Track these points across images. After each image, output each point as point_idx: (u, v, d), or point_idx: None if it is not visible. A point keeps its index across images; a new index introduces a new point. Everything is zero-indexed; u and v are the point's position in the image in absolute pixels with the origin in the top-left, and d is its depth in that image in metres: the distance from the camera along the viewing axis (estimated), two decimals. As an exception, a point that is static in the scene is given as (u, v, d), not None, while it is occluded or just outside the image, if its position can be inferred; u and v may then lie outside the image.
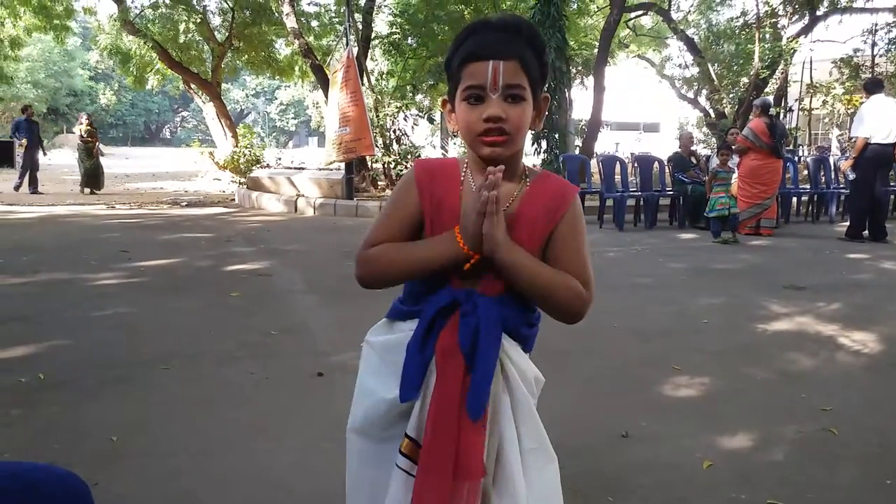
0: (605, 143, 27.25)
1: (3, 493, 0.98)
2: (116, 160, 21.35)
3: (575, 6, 18.52)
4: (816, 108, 21.88)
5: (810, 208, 10.22)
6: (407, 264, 1.18)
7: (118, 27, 16.84)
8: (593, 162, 11.92)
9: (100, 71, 43.86)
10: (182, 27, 16.27)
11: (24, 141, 13.23)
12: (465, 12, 15.95)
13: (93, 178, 13.20)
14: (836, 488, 2.18)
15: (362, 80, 11.02)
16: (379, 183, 11.46)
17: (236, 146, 15.52)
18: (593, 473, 2.24)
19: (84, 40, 37.67)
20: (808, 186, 10.53)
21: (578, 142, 16.48)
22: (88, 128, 13.72)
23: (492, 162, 1.13)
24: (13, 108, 33.49)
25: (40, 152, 13.62)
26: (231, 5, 16.93)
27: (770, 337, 3.87)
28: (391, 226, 1.21)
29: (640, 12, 21.70)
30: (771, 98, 10.44)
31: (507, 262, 1.12)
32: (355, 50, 10.34)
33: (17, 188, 12.87)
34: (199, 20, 16.32)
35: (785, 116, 19.13)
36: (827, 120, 26.00)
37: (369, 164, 11.43)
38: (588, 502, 2.06)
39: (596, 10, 21.01)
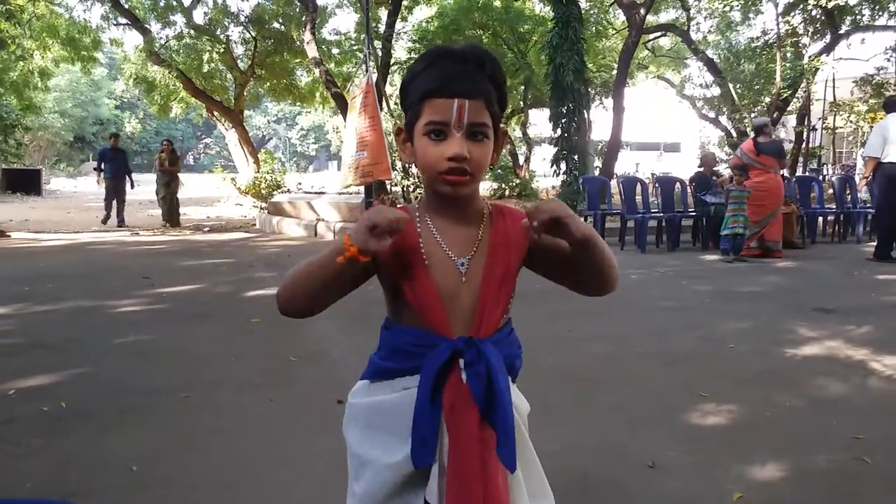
0: (625, 164, 27.17)
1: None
2: (143, 187, 21.69)
3: (593, 29, 18.63)
4: (840, 127, 21.64)
5: (836, 228, 10.04)
6: (309, 272, 1.12)
7: (144, 57, 17.23)
8: (613, 183, 11.87)
9: (125, 100, 44.87)
10: (206, 57, 16.60)
11: (101, 175, 12.63)
12: (483, 36, 16.10)
13: (168, 211, 12.30)
14: (874, 522, 2.10)
15: (381, 105, 11.13)
16: (398, 206, 11.51)
17: (258, 172, 15.72)
18: (619, 506, 2.18)
19: (110, 70, 38.59)
20: (833, 206, 10.36)
21: (598, 163, 16.46)
22: (166, 156, 12.66)
23: (452, 200, 1.13)
24: (40, 136, 34.33)
25: (128, 183, 12.72)
26: (253, 35, 17.26)
27: (799, 362, 3.78)
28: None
29: (659, 34, 21.76)
30: (766, 118, 10.31)
31: (589, 232, 1.06)
32: (374, 76, 10.46)
33: (104, 221, 12.21)
34: (222, 50, 16.65)
35: (808, 135, 18.94)
36: (851, 138, 25.70)
37: (388, 187, 11.48)
38: (614, 536, 2.00)
39: (614, 32, 21.10)
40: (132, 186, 12.85)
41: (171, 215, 12.20)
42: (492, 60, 1.12)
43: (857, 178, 11.38)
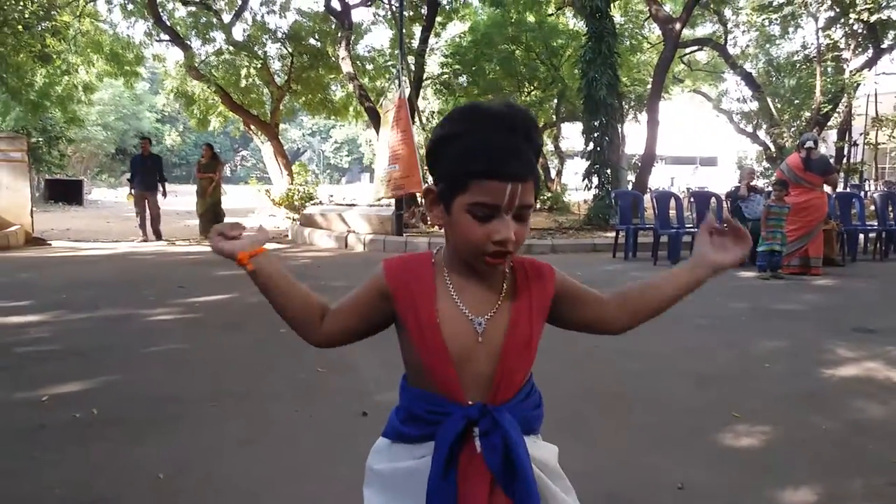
0: (659, 178, 26.87)
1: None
2: (182, 198, 22.14)
3: (627, 43, 18.54)
4: (883, 143, 21.10)
5: (878, 245, 9.76)
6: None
7: (184, 72, 17.65)
8: (647, 197, 11.74)
9: (166, 113, 45.95)
10: (244, 72, 16.93)
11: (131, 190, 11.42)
12: (516, 51, 16.13)
13: (208, 221, 11.19)
14: (914, 553, 2.01)
15: (413, 119, 11.22)
16: (428, 219, 11.55)
17: (291, 184, 15.93)
18: (645, 528, 2.13)
19: (152, 85, 39.66)
20: (875, 223, 10.08)
21: (631, 177, 16.30)
22: (206, 161, 11.62)
23: (488, 271, 1.10)
24: (83, 148, 35.35)
25: (159, 195, 11.30)
26: (290, 51, 17.56)
27: (836, 383, 3.66)
28: (341, 313, 1.19)
29: (696, 48, 21.53)
30: (814, 133, 10.10)
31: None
32: (407, 91, 10.56)
33: (142, 239, 11.05)
34: (259, 65, 16.97)
35: (849, 151, 18.50)
36: (894, 154, 25.03)
37: (419, 200, 11.53)
38: (640, 560, 1.95)
39: (649, 46, 20.95)
40: (164, 195, 11.48)
41: (214, 224, 11.71)
42: (536, 128, 1.08)
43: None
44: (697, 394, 3.46)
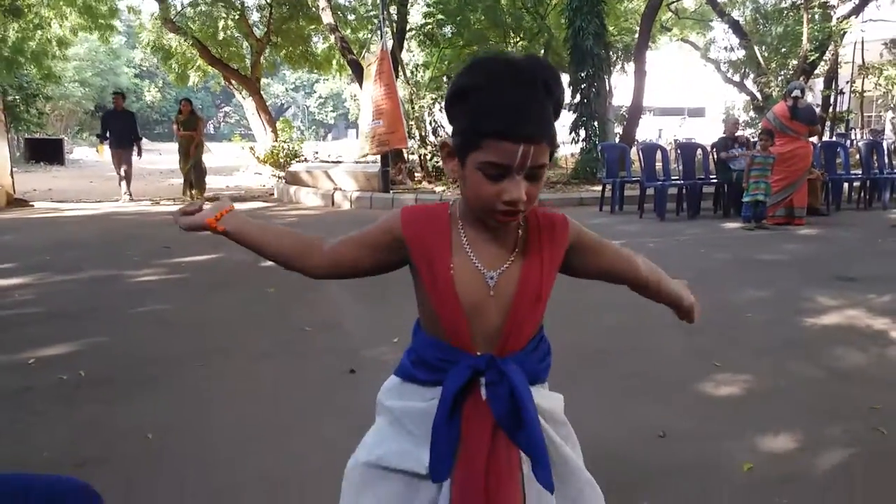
0: (647, 130, 26.74)
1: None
2: (164, 157, 21.82)
3: (614, -10, 18.16)
4: (869, 91, 21.03)
5: (862, 194, 9.82)
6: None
7: (159, 25, 17.17)
8: (633, 150, 11.69)
9: (144, 69, 44.91)
10: (221, 24, 16.47)
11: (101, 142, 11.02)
12: (501, 0, 15.78)
13: (191, 181, 10.99)
14: (887, 492, 2.08)
15: (397, 72, 11.02)
16: (416, 175, 11.45)
17: (275, 141, 15.71)
18: (628, 474, 2.18)
19: (128, 39, 38.56)
20: (859, 172, 10.12)
21: (619, 129, 16.20)
22: (184, 117, 10.97)
23: (500, 226, 1.10)
24: (62, 106, 34.57)
25: (135, 151, 10.94)
26: (269, 1, 17.09)
27: (817, 331, 3.73)
28: (346, 247, 1.18)
29: (683, -5, 21.17)
30: (801, 81, 10.04)
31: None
32: (390, 43, 10.33)
33: (130, 197, 10.77)
34: (237, 16, 16.51)
35: (835, 99, 18.44)
36: (880, 102, 25.00)
37: (406, 156, 11.43)
38: (622, 503, 2.00)
39: (636, -7, 20.56)
40: (139, 154, 11.17)
41: (198, 181, 10.96)
42: (557, 81, 1.04)
43: (884, 144, 11.08)
44: (680, 345, 3.51)
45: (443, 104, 12.72)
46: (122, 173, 10.78)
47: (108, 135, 10.90)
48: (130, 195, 10.81)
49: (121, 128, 10.83)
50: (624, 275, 1.27)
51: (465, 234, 1.12)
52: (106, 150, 11.78)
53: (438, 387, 1.12)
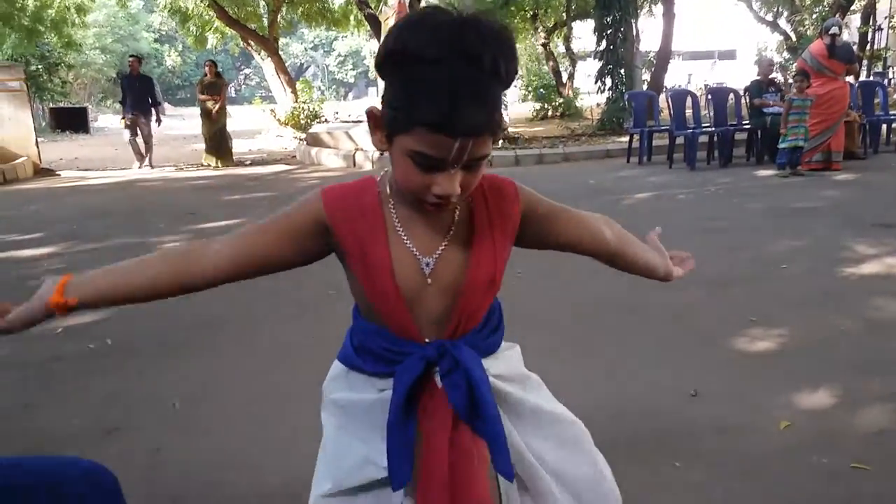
0: (676, 76, 25.99)
1: (28, 492, 0.95)
2: (187, 122, 21.87)
3: (639, -70, 17.44)
4: (910, 25, 20.08)
5: (902, 136, 9.42)
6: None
7: (176, -14, 17.00)
8: (662, 97, 11.35)
9: (163, 33, 44.77)
10: (237, -18, 16.26)
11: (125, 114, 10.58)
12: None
13: (215, 147, 10.71)
14: (932, 451, 1.99)
15: (416, 25, 10.74)
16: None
17: (296, 102, 15.60)
18: (659, 436, 2.13)
19: (146, 2, 38.39)
20: (899, 112, 9.70)
21: (647, 76, 15.74)
22: (210, 80, 10.58)
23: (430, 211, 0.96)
24: (84, 74, 34.72)
25: (153, 117, 10.62)
26: (284, -43, 16.77)
27: (856, 282, 3.59)
28: (248, 240, 1.01)
29: (711, -69, 20.25)
30: (838, 18, 9.56)
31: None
32: (408, -6, 10.07)
33: (140, 165, 10.64)
34: (253, -26, 16.27)
35: (873, 36, 17.65)
36: (922, 37, 23.86)
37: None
38: (652, 468, 1.95)
39: (662, -68, 19.71)
40: (158, 121, 10.88)
41: (223, 148, 10.74)
42: (509, 57, 0.86)
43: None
44: (713, 299, 3.41)
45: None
46: (139, 140, 10.56)
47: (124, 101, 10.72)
48: (151, 164, 10.68)
49: (138, 92, 10.55)
50: (588, 246, 1.13)
51: (398, 214, 0.99)
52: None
53: (390, 378, 1.02)
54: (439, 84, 0.82)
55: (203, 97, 10.67)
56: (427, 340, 1.01)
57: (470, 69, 0.83)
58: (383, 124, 0.91)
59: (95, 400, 2.54)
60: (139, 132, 10.55)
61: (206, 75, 10.79)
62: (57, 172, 10.29)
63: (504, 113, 11.57)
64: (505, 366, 1.10)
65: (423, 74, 0.83)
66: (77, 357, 2.93)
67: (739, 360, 2.69)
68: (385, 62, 0.88)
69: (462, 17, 0.85)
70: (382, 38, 0.90)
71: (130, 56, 11.67)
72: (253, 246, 1.01)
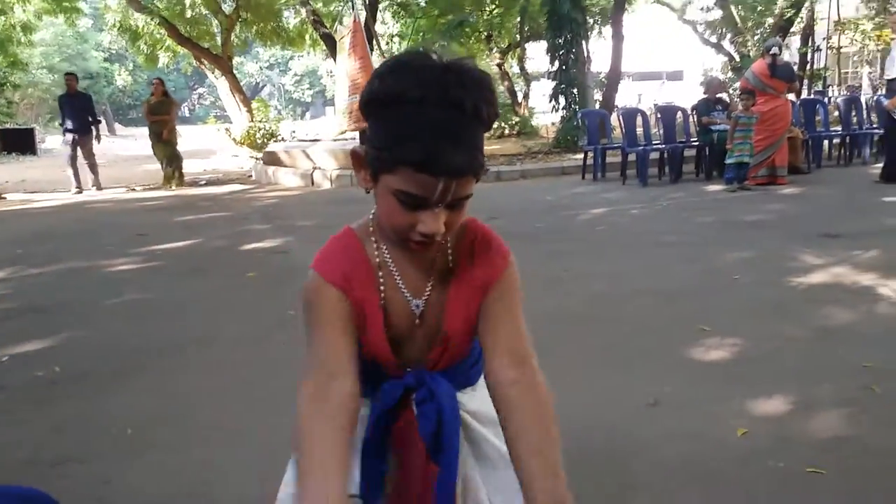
0: (626, 96, 26.59)
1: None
2: (138, 142, 21.43)
3: (589, -47, 17.89)
4: (845, 46, 21.02)
5: (842, 151, 9.82)
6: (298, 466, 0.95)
7: (125, 5, 16.70)
8: (614, 116, 11.60)
9: (113, 52, 43.81)
10: (188, 1, 16.06)
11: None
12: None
13: (171, 168, 10.44)
14: (881, 453, 2.05)
15: (371, 44, 10.80)
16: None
17: (251, 121, 15.44)
18: (617, 445, 2.14)
19: (95, 21, 37.59)
20: (839, 128, 10.11)
21: (598, 95, 16.08)
22: (157, 99, 10.32)
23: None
24: (31, 94, 33.74)
25: (93, 139, 10.20)
26: (236, -24, 16.67)
27: (804, 291, 3.71)
28: (328, 355, 0.98)
29: (657, -45, 20.93)
30: (778, 38, 9.96)
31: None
32: (362, 14, 10.11)
33: (77, 190, 10.09)
34: (205, -7, 16.10)
35: (812, 56, 18.41)
36: (857, 58, 25.01)
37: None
38: (612, 476, 1.96)
39: (611, -44, 20.27)
40: (98, 139, 10.40)
41: (175, 168, 10.39)
42: (490, 102, 0.89)
43: (862, 99, 11.08)
44: (665, 311, 3.47)
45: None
46: (77, 164, 10.08)
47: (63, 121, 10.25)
48: (99, 185, 10.28)
49: (77, 111, 10.09)
50: (491, 371, 1.01)
51: (390, 254, 1.01)
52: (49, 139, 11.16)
53: (366, 398, 1.04)
54: (423, 125, 0.85)
55: (151, 118, 10.38)
56: (408, 369, 1.04)
57: (452, 112, 0.85)
58: (367, 164, 0.93)
59: (43, 430, 2.43)
60: (79, 153, 10.15)
61: (152, 95, 10.51)
62: (2, 195, 9.94)
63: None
64: (481, 403, 1.11)
65: (408, 115, 0.85)
66: (23, 386, 2.81)
67: (695, 370, 2.74)
68: (370, 103, 0.90)
69: (445, 62, 0.88)
70: (368, 81, 0.92)
71: (67, 74, 11.25)
72: (342, 358, 0.98)
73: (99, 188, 10.26)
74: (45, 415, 2.55)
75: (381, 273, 1.01)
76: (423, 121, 0.85)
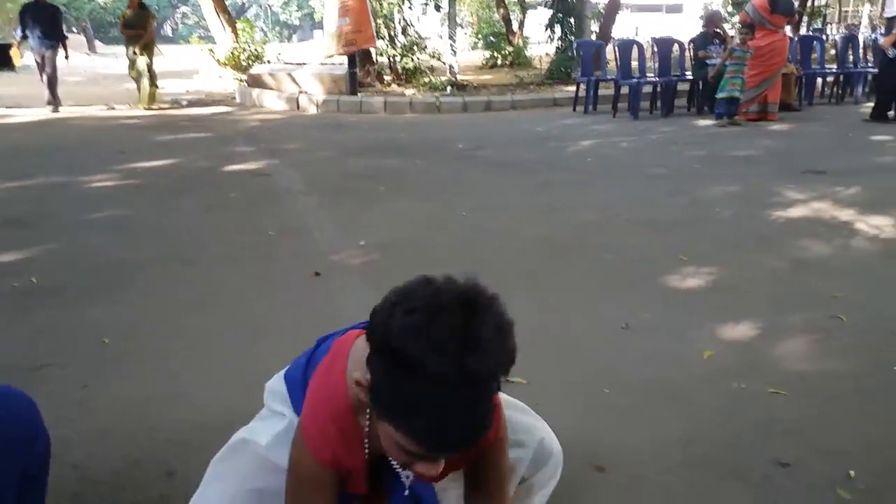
0: (624, 28, 25.97)
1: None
2: (118, 60, 20.80)
3: None
4: (849, -18, 20.50)
5: (835, 89, 9.72)
6: None
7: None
8: (609, 48, 11.35)
9: (95, -34, 41.96)
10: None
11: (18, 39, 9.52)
12: None
13: (145, 85, 9.81)
14: (842, 377, 2.12)
15: (362, -36, 10.38)
16: (385, 77, 11.04)
17: (235, 42, 14.97)
18: (591, 366, 2.19)
19: (75, -68, 35.84)
20: (834, 66, 9.97)
21: (595, 27, 15.69)
22: (132, 13, 9.72)
23: None
24: (8, 8, 32.40)
25: (59, 54, 9.46)
26: None
27: (784, 225, 3.73)
28: None
29: None
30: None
31: None
32: (353, -70, 9.67)
33: (51, 106, 9.44)
34: None
35: (814, -8, 17.95)
36: (859, -5, 24.44)
37: (374, 57, 10.96)
38: (586, 396, 2.01)
39: None
40: (66, 56, 9.67)
41: (150, 86, 9.78)
42: (509, 361, 0.85)
43: (860, 38, 10.89)
44: (648, 241, 3.50)
45: (412, 1, 12.21)
46: (46, 78, 9.34)
47: (26, 33, 9.32)
48: (55, 103, 9.46)
49: (43, 24, 9.21)
50: (477, 490, 1.15)
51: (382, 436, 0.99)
52: (28, 54, 10.19)
53: None
54: (434, 408, 0.80)
55: (127, 32, 9.81)
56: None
57: (469, 390, 0.80)
58: (370, 396, 0.88)
59: (22, 337, 2.44)
60: (46, 67, 9.35)
61: (128, 7, 9.90)
62: (-22, 111, 9.65)
63: (454, 62, 11.41)
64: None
65: (419, 391, 0.80)
66: (0, 295, 2.81)
67: (670, 296, 2.78)
68: (379, 348, 0.84)
69: (466, 318, 0.81)
70: (380, 316, 0.85)
71: None
72: None
73: (56, 108, 9.46)
74: (22, 324, 2.56)
75: (368, 442, 1.01)
76: (434, 400, 0.80)
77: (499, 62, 16.08)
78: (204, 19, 22.70)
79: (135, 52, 9.76)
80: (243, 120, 8.69)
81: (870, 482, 1.61)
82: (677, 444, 1.77)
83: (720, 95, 7.50)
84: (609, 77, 9.28)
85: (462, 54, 15.63)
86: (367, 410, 0.98)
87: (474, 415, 0.82)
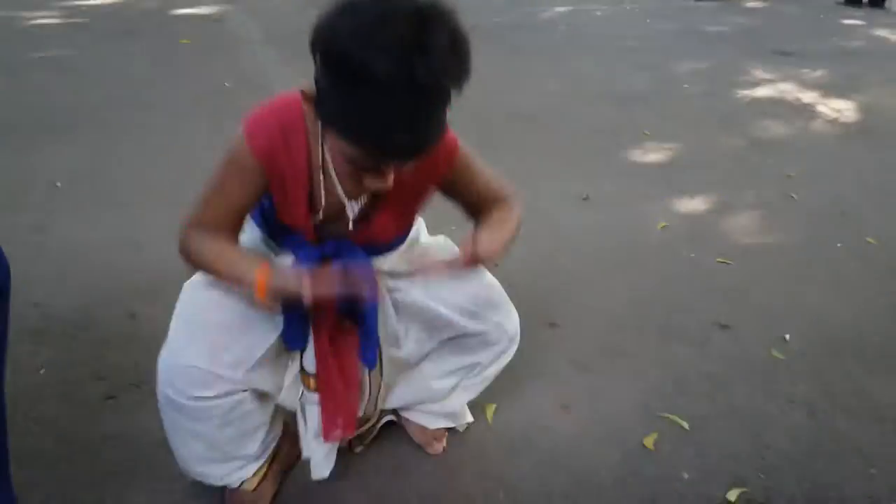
0: None
1: None
2: None
3: None
4: None
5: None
6: (218, 276, 1.03)
7: None
8: None
9: None
10: None
11: None
12: None
13: None
14: (786, 250, 2.23)
15: None
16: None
17: None
18: (551, 234, 2.24)
19: None
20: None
21: None
22: None
23: None
24: None
25: None
26: None
27: (748, 104, 3.75)
28: (220, 212, 1.02)
29: None
30: None
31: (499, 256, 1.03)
32: None
33: None
34: None
35: None
36: None
37: None
38: (542, 259, 2.08)
39: None
40: None
41: None
42: (462, 75, 0.80)
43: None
44: (613, 114, 3.48)
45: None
46: None
47: None
48: None
49: None
50: (467, 210, 1.14)
51: (331, 154, 0.95)
52: None
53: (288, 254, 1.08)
54: (380, 112, 0.76)
55: None
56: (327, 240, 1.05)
57: (417, 97, 0.76)
58: (315, 108, 0.84)
59: (-33, 177, 2.36)
60: None
61: None
62: None
63: None
64: (393, 262, 1.16)
65: (365, 96, 0.75)
66: (-59, 133, 2.68)
67: (630, 170, 2.82)
68: (324, 55, 0.79)
69: (418, 25, 0.74)
70: (325, 22, 0.78)
71: None
72: (226, 218, 1.02)
73: None
74: (-32, 164, 2.46)
75: (319, 167, 0.97)
76: (380, 107, 0.75)
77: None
78: None
79: None
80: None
81: (802, 346, 1.74)
82: (627, 306, 1.87)
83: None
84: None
85: None
86: (321, 132, 0.95)
87: (420, 121, 0.79)
